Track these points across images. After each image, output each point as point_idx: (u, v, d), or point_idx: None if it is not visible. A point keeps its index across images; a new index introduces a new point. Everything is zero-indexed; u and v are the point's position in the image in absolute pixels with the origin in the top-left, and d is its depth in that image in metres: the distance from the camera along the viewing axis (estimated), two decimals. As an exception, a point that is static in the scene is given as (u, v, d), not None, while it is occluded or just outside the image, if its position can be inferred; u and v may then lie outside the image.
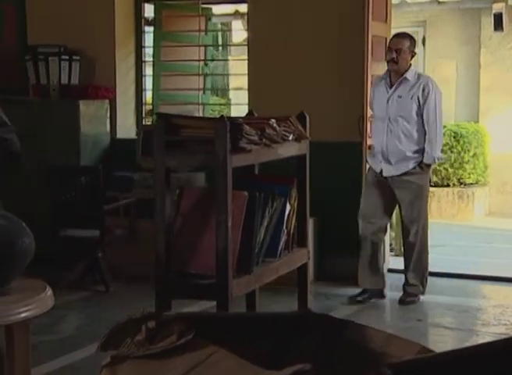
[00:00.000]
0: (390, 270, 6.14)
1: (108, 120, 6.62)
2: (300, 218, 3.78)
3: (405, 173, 5.38)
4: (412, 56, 5.42)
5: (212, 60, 8.38)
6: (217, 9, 9.29)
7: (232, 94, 11.09)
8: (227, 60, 11.48)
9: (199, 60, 6.98)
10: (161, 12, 7.07)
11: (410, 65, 5.43)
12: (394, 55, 5.31)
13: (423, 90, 5.33)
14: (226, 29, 11.94)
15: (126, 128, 6.83)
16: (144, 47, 7.02)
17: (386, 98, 5.40)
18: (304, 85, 6.18)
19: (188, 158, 3.11)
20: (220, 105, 11.02)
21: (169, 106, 6.87)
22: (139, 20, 6.98)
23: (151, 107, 7.05)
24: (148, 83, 7.02)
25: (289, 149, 3.64)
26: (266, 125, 3.30)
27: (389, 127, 5.40)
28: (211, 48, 8.36)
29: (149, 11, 7.10)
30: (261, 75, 6.34)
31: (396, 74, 5.39)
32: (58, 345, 4.71)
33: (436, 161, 5.54)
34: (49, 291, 2.71)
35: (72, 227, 5.73)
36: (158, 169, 3.10)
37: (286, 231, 3.63)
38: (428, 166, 5.45)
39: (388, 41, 5.59)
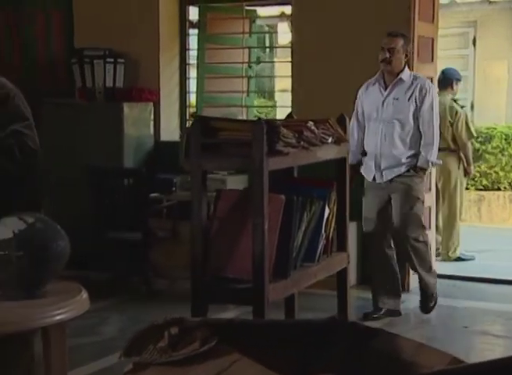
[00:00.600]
0: (438, 276, 6.01)
1: (151, 123, 6.65)
2: (340, 222, 3.73)
3: (397, 176, 5.09)
4: (406, 56, 5.12)
5: (258, 62, 8.37)
6: (263, 11, 9.29)
7: (278, 96, 11.08)
8: (273, 62, 11.46)
9: (243, 62, 6.96)
10: (206, 15, 7.08)
11: (405, 65, 5.14)
12: (387, 55, 5.03)
13: (420, 91, 5.07)
14: (272, 31, 11.93)
15: (170, 131, 6.84)
16: (189, 49, 7.04)
17: (381, 100, 5.11)
18: (348, 87, 6.11)
19: (224, 160, 3.08)
20: (265, 107, 11.01)
21: (213, 109, 6.87)
22: (183, 23, 6.99)
23: (194, 109, 7.05)
24: (192, 85, 7.03)
25: (328, 152, 3.59)
26: (304, 127, 3.26)
27: (384, 131, 5.09)
28: (257, 50, 8.35)
29: (193, 13, 7.12)
30: (304, 77, 6.29)
31: (390, 75, 5.11)
32: (98, 347, 4.73)
33: (431, 165, 5.21)
34: (84, 294, 2.72)
35: (115, 229, 5.76)
36: (194, 172, 3.08)
37: (324, 235, 3.58)
38: (423, 170, 5.14)
39: (382, 42, 5.16)
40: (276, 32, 11.86)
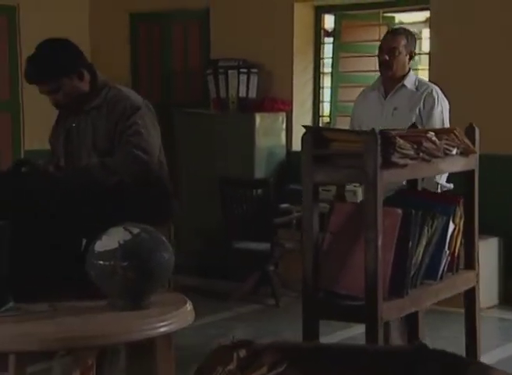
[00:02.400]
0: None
1: (283, 133, 6.62)
2: (468, 238, 3.53)
3: (392, 196, 4.01)
4: (411, 58, 4.34)
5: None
6: (406, 18, 9.09)
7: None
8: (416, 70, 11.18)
9: (376, 70, 6.79)
10: (341, 23, 6.99)
11: (410, 69, 4.36)
12: (386, 57, 4.24)
13: (425, 101, 4.26)
14: (417, 37, 11.67)
15: (303, 141, 6.77)
16: (323, 58, 6.96)
17: (380, 110, 4.31)
18: (489, 97, 5.85)
19: (336, 172, 2.97)
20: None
21: (347, 118, 6.74)
22: (318, 31, 6.93)
23: (328, 119, 6.96)
24: (326, 95, 6.94)
25: (454, 164, 3.40)
26: (423, 138, 3.09)
27: None
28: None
29: (328, 22, 7.04)
30: (440, 85, 6.05)
31: (391, 81, 4.31)
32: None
33: (439, 189, 4.18)
34: (189, 306, 2.70)
35: (244, 240, 5.76)
36: (305, 184, 2.99)
37: (448, 252, 3.40)
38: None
39: (381, 41, 4.45)
40: (420, 38, 11.58)
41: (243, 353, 1.43)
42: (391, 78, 4.29)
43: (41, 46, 3.32)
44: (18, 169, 2.74)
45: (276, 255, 5.77)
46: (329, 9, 6.96)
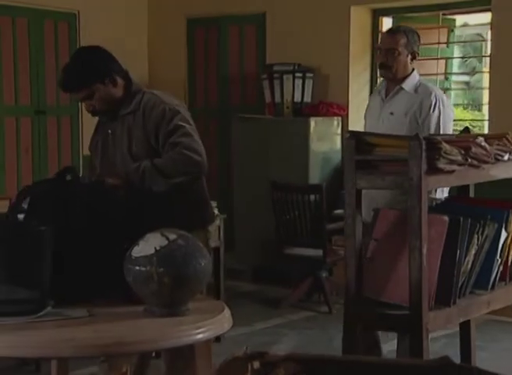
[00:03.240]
0: None
1: (339, 138, 6.54)
2: (523, 246, 3.41)
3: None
4: (413, 58, 4.00)
5: (474, 73, 8.00)
6: (471, 19, 8.89)
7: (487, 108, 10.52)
8: (481, 72, 10.94)
9: (437, 74, 6.68)
10: (400, 26, 6.88)
11: (413, 70, 4.01)
12: (386, 59, 3.95)
13: (422, 104, 3.90)
14: (481, 39, 11.42)
15: (359, 145, 6.68)
16: (380, 62, 6.86)
17: (378, 114, 4.02)
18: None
19: (378, 178, 2.90)
20: (471, 120, 10.51)
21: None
22: (375, 35, 6.83)
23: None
24: (383, 99, 6.83)
25: (506, 170, 3.28)
26: (472, 143, 3.00)
27: None
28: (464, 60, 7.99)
29: (386, 25, 6.93)
30: (502, 89, 5.91)
31: (392, 83, 4.01)
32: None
33: (433, 203, 3.58)
34: (227, 313, 2.66)
35: (297, 246, 5.71)
36: (348, 190, 2.93)
37: (500, 261, 3.29)
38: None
39: (379, 41, 4.22)
40: (485, 40, 11.33)
41: (256, 365, 1.39)
42: (392, 80, 4.00)
43: (73, 55, 3.37)
44: (63, 177, 2.75)
45: (329, 262, 5.70)
46: (387, 12, 6.85)
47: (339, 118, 6.55)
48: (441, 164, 2.85)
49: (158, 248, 2.50)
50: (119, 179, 3.07)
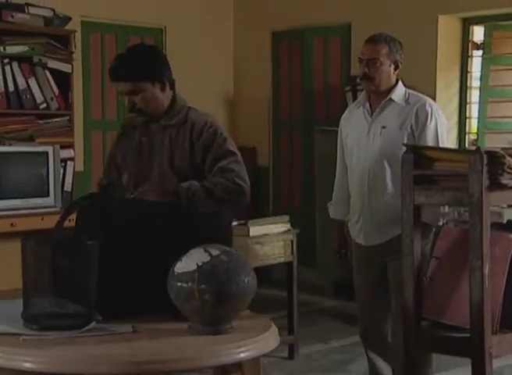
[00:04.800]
0: None
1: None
2: None
3: (395, 239, 3.40)
4: (397, 67, 3.72)
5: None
6: None
7: None
8: None
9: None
10: (492, 35, 6.63)
11: (398, 80, 3.74)
12: (367, 70, 3.64)
13: (417, 115, 3.62)
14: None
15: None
16: (470, 72, 6.63)
17: (366, 130, 3.71)
18: None
19: (437, 194, 2.76)
20: None
21: (497, 135, 6.40)
22: (466, 44, 6.61)
23: (475, 136, 6.61)
24: (473, 110, 6.60)
25: None
26: (540, 157, 2.82)
27: (370, 173, 3.66)
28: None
29: (477, 34, 6.70)
30: None
31: (376, 96, 3.71)
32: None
33: (441, 221, 3.57)
34: (273, 332, 2.58)
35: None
36: (405, 206, 2.81)
37: None
38: (429, 228, 3.50)
39: (360, 52, 3.76)
40: None
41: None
42: (375, 92, 3.70)
43: (132, 48, 3.34)
44: (108, 192, 2.75)
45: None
46: (478, 20, 6.62)
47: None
48: (504, 179, 2.70)
49: (200, 264, 2.45)
50: (158, 193, 3.04)
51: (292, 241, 4.81)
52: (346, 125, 3.88)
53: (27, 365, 2.27)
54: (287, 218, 4.83)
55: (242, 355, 2.43)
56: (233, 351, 2.41)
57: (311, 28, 7.12)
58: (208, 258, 2.46)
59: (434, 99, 6.36)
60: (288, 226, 4.80)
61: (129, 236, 2.69)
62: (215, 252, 2.48)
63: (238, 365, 2.55)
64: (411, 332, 2.85)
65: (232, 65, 7.62)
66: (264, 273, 6.36)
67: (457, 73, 6.58)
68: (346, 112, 3.98)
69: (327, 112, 7.03)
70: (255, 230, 4.53)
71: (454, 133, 6.57)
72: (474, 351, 2.71)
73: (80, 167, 6.29)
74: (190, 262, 2.48)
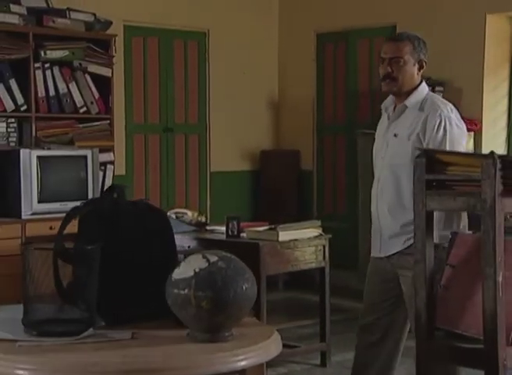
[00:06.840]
0: None
1: (472, 153, 6.18)
2: None
3: (403, 253, 3.36)
4: (421, 67, 3.46)
5: None
6: None
7: None
8: None
9: None
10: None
11: (422, 81, 3.47)
12: (389, 69, 3.39)
13: (426, 124, 3.33)
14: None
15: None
16: (519, 73, 6.44)
17: (384, 136, 3.50)
18: None
19: (449, 199, 2.65)
20: None
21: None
22: (515, 44, 6.43)
23: (524, 139, 6.42)
24: (523, 113, 6.41)
25: None
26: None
27: (380, 184, 3.50)
28: None
29: (527, 34, 6.50)
30: None
31: (398, 98, 3.44)
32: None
33: (440, 239, 3.06)
34: (275, 339, 2.51)
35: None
36: (417, 212, 2.71)
37: None
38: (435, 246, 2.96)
39: (382, 50, 3.50)
40: None
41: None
42: (397, 94, 3.45)
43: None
44: (110, 196, 2.72)
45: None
46: (530, 19, 6.43)
47: (472, 133, 6.18)
48: (519, 184, 2.57)
49: (197, 271, 2.40)
50: None
51: (324, 246, 4.73)
52: (377, 129, 3.68)
53: (19, 372, 2.25)
54: (318, 223, 4.75)
55: (239, 363, 2.36)
56: (229, 359, 2.35)
57: (356, 30, 7.03)
58: (206, 265, 2.41)
59: (481, 102, 6.21)
60: (319, 230, 4.71)
61: (131, 240, 2.66)
62: (212, 258, 2.43)
63: (241, 373, 2.49)
64: (423, 341, 2.75)
65: (278, 65, 7.57)
66: (306, 278, 6.30)
67: (506, 74, 6.39)
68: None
69: (371, 115, 6.90)
70: (284, 234, 4.46)
71: (503, 137, 6.39)
72: (488, 363, 2.59)
73: (121, 171, 6.32)
74: (187, 268, 2.43)
